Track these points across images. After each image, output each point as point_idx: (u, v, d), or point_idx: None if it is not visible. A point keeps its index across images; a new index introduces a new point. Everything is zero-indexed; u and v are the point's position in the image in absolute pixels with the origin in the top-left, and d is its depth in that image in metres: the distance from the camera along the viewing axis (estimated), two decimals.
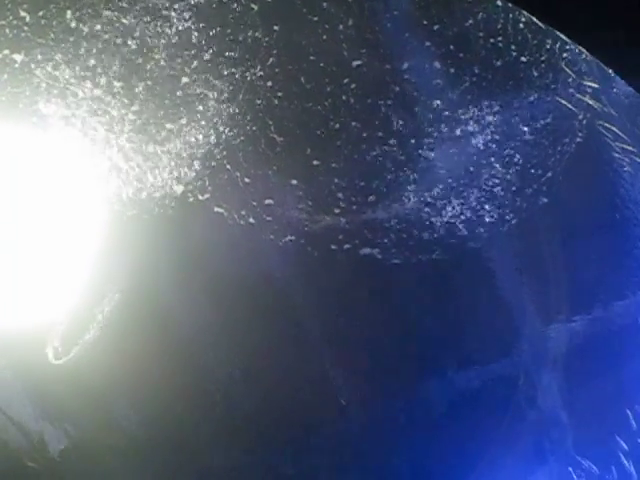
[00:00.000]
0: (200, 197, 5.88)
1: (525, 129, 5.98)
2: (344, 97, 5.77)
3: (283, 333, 6.27)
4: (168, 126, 5.87)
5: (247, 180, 5.86)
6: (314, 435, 6.52)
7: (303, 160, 5.86)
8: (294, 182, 5.90)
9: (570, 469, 6.94)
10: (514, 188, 6.14)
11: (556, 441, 6.69)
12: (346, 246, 6.05)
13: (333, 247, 6.07)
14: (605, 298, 6.27)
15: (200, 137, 5.85)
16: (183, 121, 5.84)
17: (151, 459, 6.74)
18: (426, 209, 6.10)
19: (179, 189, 5.88)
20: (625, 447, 6.78)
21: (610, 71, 6.15)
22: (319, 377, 6.35)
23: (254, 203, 5.90)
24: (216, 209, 5.92)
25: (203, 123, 5.84)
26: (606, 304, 6.27)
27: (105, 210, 6.00)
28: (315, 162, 5.88)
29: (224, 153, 5.81)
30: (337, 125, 5.82)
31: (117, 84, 5.68)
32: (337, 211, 5.97)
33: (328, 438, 6.52)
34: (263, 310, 6.27)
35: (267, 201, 5.96)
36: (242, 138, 5.83)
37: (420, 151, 6.02)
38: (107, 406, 6.63)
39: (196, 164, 5.87)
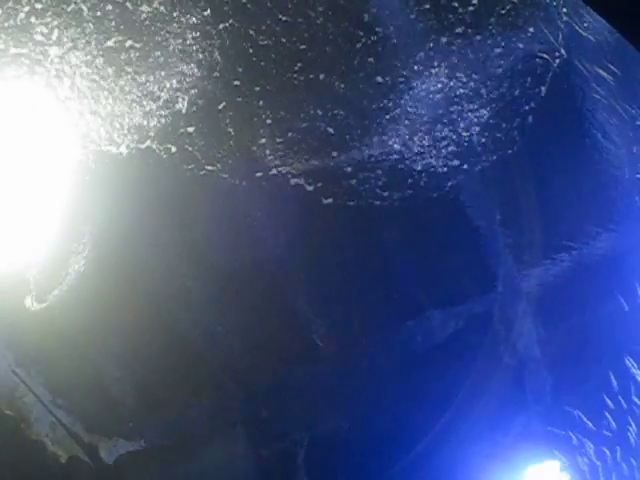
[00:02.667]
0: (172, 147, 5.84)
1: (499, 71, 5.98)
2: (314, 43, 5.75)
3: (257, 278, 6.28)
4: (143, 69, 5.85)
5: (219, 128, 5.83)
6: (290, 377, 6.55)
7: (276, 108, 5.83)
8: (266, 130, 5.87)
9: (548, 410, 7.03)
10: (488, 129, 6.15)
11: (534, 381, 6.75)
12: (318, 190, 6.04)
13: (308, 189, 6.06)
14: (579, 238, 6.30)
15: (173, 82, 5.82)
16: (157, 64, 5.81)
17: (128, 404, 6.75)
18: (401, 151, 6.10)
19: (151, 134, 5.84)
20: (606, 385, 6.85)
21: (582, 8, 6.20)
22: (294, 319, 6.37)
23: (225, 151, 5.86)
24: (189, 155, 5.89)
25: (178, 68, 5.81)
26: (580, 243, 6.30)
27: (79, 155, 5.97)
28: (284, 112, 5.85)
29: (198, 100, 5.78)
30: (310, 76, 5.79)
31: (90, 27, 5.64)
32: (307, 156, 5.96)
33: (304, 379, 6.55)
34: (237, 256, 6.27)
35: (237, 150, 5.94)
36: (217, 86, 5.80)
37: (393, 95, 6.01)
38: (84, 352, 6.63)
39: (169, 110, 5.83)
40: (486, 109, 6.02)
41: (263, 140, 5.68)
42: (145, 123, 5.69)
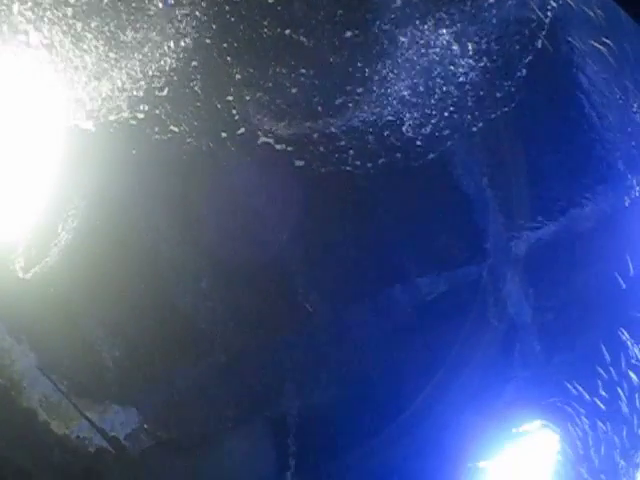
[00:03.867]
0: (157, 111, 5.83)
1: (488, 28, 5.95)
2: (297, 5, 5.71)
3: (247, 243, 6.28)
4: (128, 37, 5.83)
5: (189, 88, 5.80)
6: (281, 343, 6.56)
7: (244, 65, 5.80)
8: (234, 89, 5.85)
9: (538, 377, 7.03)
10: (476, 93, 6.13)
11: (523, 348, 6.75)
12: (308, 155, 6.03)
13: (277, 147, 6.04)
14: (569, 203, 6.29)
15: (159, 50, 5.80)
16: (141, 33, 5.79)
17: (118, 371, 6.76)
18: (390, 115, 6.09)
19: (123, 101, 5.84)
20: (597, 355, 6.85)
21: None
22: (284, 284, 6.38)
23: (191, 112, 5.83)
24: (157, 119, 5.86)
25: (161, 36, 5.79)
26: (570, 209, 6.29)
27: (67, 124, 5.97)
28: (252, 70, 5.81)
29: (181, 66, 5.76)
30: (278, 30, 5.74)
31: None
32: (276, 118, 5.93)
33: (295, 346, 6.57)
34: (229, 221, 6.28)
35: (204, 110, 5.91)
36: (189, 45, 5.77)
37: (382, 56, 5.99)
38: (74, 319, 6.65)
39: (142, 74, 5.81)
40: (473, 71, 6.00)
41: (230, 98, 5.66)
42: (117, 90, 5.70)
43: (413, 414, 6.79)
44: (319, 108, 5.78)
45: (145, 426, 6.81)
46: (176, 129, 5.74)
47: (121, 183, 6.07)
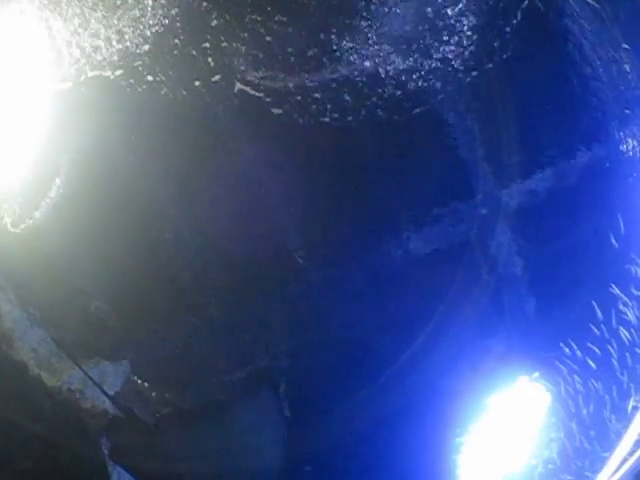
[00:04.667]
0: (135, 64, 5.79)
1: None
2: None
3: (238, 196, 6.27)
4: None
5: (181, 43, 5.75)
6: (272, 295, 6.57)
7: (221, 10, 5.74)
8: (227, 43, 5.79)
9: (529, 332, 7.05)
10: (469, 42, 6.07)
11: (514, 302, 6.75)
12: (286, 104, 5.99)
13: (275, 106, 6.00)
14: (560, 156, 6.26)
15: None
16: None
17: (110, 325, 6.78)
18: (379, 65, 6.03)
19: (104, 57, 5.80)
20: (589, 312, 6.85)
21: None
22: (275, 238, 6.37)
23: (167, 61, 5.79)
24: (134, 71, 5.82)
25: None
26: (561, 162, 6.26)
27: (47, 82, 5.95)
28: (228, 17, 5.76)
29: (160, 15, 5.70)
30: None
31: None
32: (271, 71, 5.88)
33: (285, 299, 6.57)
34: (220, 173, 6.26)
35: (180, 57, 5.86)
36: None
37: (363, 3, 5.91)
38: (64, 274, 6.65)
39: (135, 30, 5.76)
40: (464, 22, 5.95)
41: (206, 45, 5.61)
42: (95, 46, 5.66)
43: (402, 368, 6.81)
44: (293, 59, 5.73)
45: (135, 381, 6.86)
46: (152, 78, 5.73)
47: (102, 138, 6.05)
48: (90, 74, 5.79)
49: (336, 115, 5.86)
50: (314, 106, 5.83)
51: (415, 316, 6.75)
